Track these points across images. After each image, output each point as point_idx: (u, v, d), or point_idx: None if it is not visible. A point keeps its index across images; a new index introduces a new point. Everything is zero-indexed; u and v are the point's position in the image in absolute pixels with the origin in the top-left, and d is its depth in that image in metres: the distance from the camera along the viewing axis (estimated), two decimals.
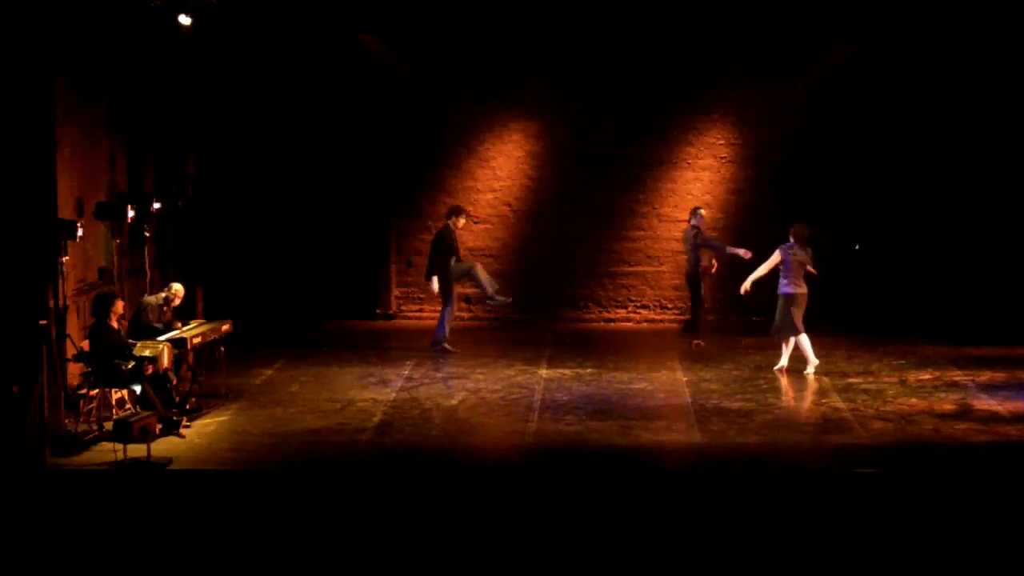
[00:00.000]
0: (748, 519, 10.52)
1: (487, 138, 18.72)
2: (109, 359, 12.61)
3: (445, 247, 16.40)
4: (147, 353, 12.63)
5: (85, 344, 13.14)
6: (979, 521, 10.35)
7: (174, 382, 13.00)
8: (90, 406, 12.97)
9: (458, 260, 16.55)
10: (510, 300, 16.88)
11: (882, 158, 18.20)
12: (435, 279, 16.34)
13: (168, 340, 13.11)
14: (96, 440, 12.39)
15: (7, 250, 12.52)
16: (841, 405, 13.84)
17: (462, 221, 16.73)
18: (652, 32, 17.99)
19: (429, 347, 16.38)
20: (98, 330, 12.73)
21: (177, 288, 13.93)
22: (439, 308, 16.97)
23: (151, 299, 13.69)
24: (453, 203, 18.36)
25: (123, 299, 13.15)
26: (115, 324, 12.81)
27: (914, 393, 14.29)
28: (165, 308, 13.80)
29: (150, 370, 12.56)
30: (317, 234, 18.63)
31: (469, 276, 16.69)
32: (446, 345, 16.36)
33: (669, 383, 14.88)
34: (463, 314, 18.51)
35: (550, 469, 11.78)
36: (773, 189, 18.50)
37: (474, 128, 18.69)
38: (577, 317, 18.84)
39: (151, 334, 13.31)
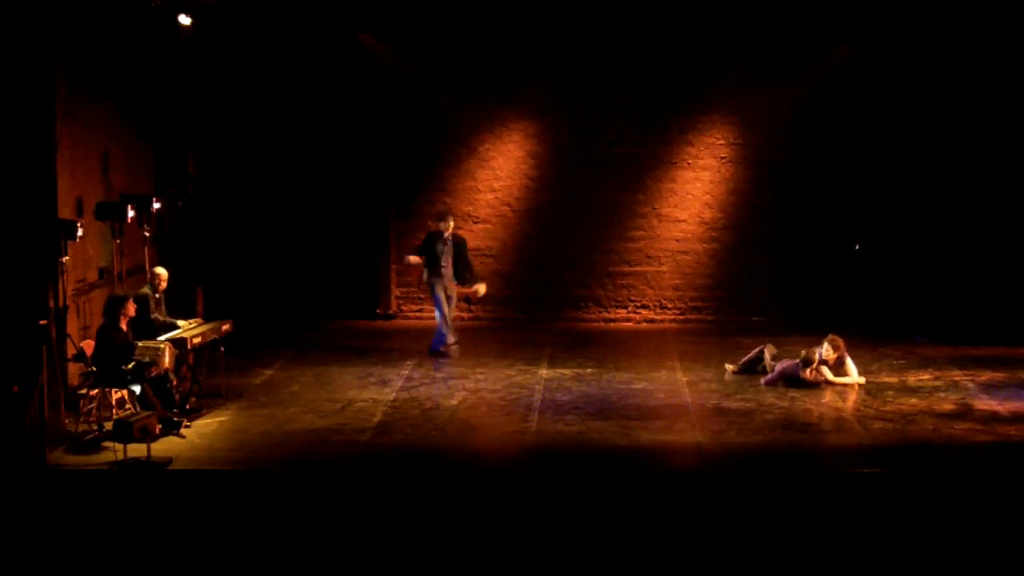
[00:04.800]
0: (748, 519, 10.52)
1: (487, 138, 18.72)
2: (115, 360, 12.61)
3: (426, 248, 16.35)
4: (147, 359, 12.62)
5: (85, 344, 13.16)
6: (979, 521, 10.36)
7: (174, 382, 13.00)
8: (90, 406, 12.98)
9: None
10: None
11: (882, 158, 18.19)
12: (411, 257, 16.46)
13: (168, 340, 13.11)
14: (96, 440, 12.40)
15: (7, 250, 12.53)
16: (841, 405, 13.85)
17: (448, 226, 16.44)
18: (652, 32, 17.98)
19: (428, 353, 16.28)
20: (106, 331, 12.73)
21: (160, 271, 13.93)
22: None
23: (144, 291, 13.70)
24: (454, 203, 18.42)
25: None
26: (124, 326, 12.82)
27: (914, 393, 14.29)
28: (157, 295, 13.81)
29: (154, 372, 12.57)
30: (317, 234, 18.63)
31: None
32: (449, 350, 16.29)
33: (669, 383, 14.88)
34: (464, 314, 18.51)
35: (550, 469, 11.78)
36: (773, 189, 18.51)
37: (474, 128, 18.69)
38: (577, 317, 18.83)
39: (153, 329, 13.32)
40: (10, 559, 9.98)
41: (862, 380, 14.56)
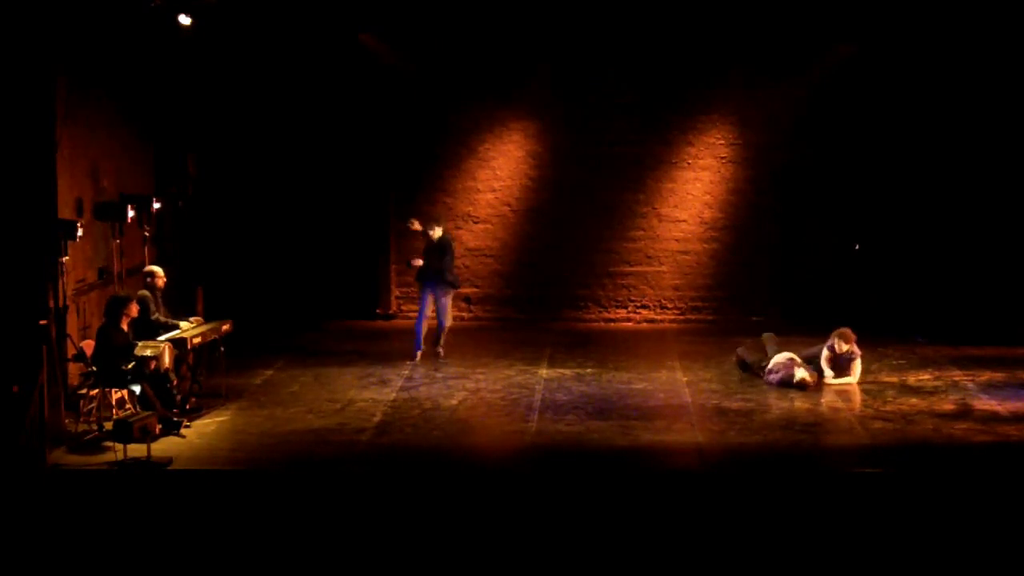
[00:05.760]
0: (748, 519, 10.52)
1: (487, 138, 18.71)
2: (115, 360, 12.61)
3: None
4: (148, 352, 12.64)
5: (85, 344, 13.16)
6: (979, 521, 10.36)
7: (174, 382, 13.00)
8: (90, 406, 12.98)
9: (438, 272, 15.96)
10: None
11: (882, 158, 18.19)
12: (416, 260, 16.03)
13: (168, 340, 13.11)
14: (96, 440, 12.40)
15: (7, 250, 12.53)
16: (841, 405, 13.85)
17: (417, 226, 16.11)
18: (653, 32, 17.97)
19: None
20: (107, 331, 12.72)
21: (156, 270, 13.89)
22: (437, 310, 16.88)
23: (142, 292, 13.68)
24: (453, 203, 18.42)
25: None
26: (125, 327, 12.82)
27: (914, 393, 14.29)
28: (155, 294, 13.78)
29: (153, 366, 12.56)
30: (317, 234, 18.64)
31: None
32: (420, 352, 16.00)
33: (669, 383, 14.88)
34: (463, 314, 18.51)
35: (550, 469, 11.78)
36: (773, 189, 18.51)
37: (474, 128, 18.69)
38: (577, 317, 18.83)
39: (155, 329, 13.32)
40: (10, 559, 9.98)
41: (853, 380, 14.55)
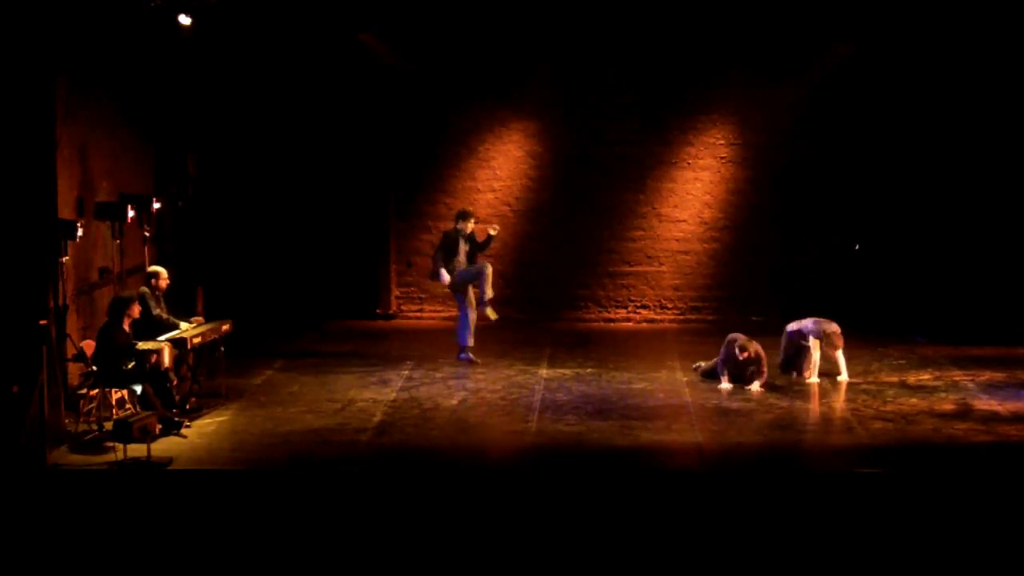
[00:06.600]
0: (748, 519, 10.52)
1: (487, 138, 18.72)
2: (115, 360, 12.61)
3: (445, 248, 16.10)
4: (150, 347, 12.65)
5: (85, 344, 13.16)
6: (979, 521, 10.36)
7: (174, 382, 13.00)
8: (90, 406, 12.97)
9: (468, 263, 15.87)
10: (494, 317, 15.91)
11: (882, 158, 18.20)
12: (443, 272, 15.77)
13: (168, 340, 13.11)
14: (96, 440, 12.40)
15: (7, 250, 12.53)
16: (841, 405, 13.85)
17: (470, 225, 15.95)
18: (652, 32, 17.99)
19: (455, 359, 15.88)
20: (110, 331, 12.72)
21: (159, 270, 13.87)
22: (438, 308, 16.87)
23: (143, 289, 13.69)
24: (453, 203, 18.41)
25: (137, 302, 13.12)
26: (127, 327, 12.82)
27: (914, 393, 14.29)
28: (157, 293, 13.77)
29: (153, 359, 12.56)
30: (317, 234, 18.64)
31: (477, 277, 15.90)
32: (470, 355, 15.85)
33: (669, 383, 14.88)
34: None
35: (550, 469, 11.78)
36: (773, 189, 18.51)
37: (474, 128, 18.69)
38: (577, 317, 18.84)
39: (156, 327, 13.32)
40: (10, 559, 9.98)
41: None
